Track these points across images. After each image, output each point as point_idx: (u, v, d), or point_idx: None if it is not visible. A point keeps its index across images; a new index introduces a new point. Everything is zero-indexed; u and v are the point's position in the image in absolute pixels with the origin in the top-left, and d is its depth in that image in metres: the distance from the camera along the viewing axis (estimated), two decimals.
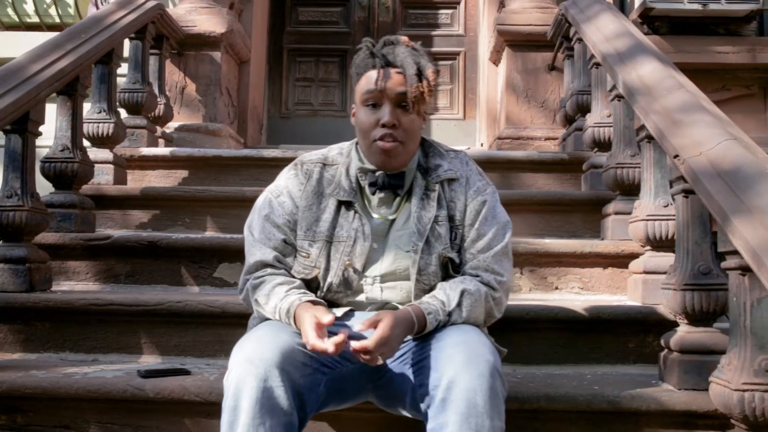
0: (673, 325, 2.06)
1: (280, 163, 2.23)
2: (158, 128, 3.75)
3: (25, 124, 2.47)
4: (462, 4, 4.86)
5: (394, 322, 1.54)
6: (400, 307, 1.69)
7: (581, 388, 1.97)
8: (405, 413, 1.69)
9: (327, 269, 1.74)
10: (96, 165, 3.06)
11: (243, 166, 3.41)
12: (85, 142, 3.06)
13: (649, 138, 2.24)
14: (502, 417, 1.51)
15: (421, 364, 1.59)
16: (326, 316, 1.55)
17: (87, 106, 3.16)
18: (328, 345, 1.49)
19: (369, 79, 1.72)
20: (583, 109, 3.27)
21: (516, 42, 3.95)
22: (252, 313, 1.86)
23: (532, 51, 3.94)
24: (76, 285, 2.70)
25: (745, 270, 1.61)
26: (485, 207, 1.78)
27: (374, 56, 1.73)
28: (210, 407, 1.89)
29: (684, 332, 1.97)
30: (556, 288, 2.64)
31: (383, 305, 1.75)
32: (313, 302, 1.65)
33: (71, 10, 4.42)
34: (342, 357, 1.63)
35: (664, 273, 2.10)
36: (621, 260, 2.60)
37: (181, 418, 1.96)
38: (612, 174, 2.69)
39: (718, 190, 1.66)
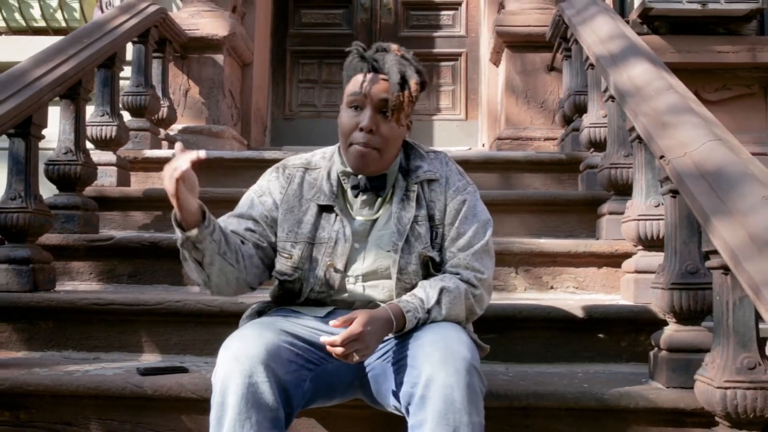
0: (663, 324, 2.08)
1: None
2: (162, 130, 3.81)
3: (28, 128, 2.53)
4: (463, 6, 4.89)
5: (367, 320, 1.57)
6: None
7: (571, 386, 2.00)
8: (391, 410, 1.72)
9: (309, 270, 1.78)
10: (99, 167, 3.12)
11: (245, 168, 3.45)
12: (89, 145, 3.11)
13: (640, 139, 2.27)
14: (481, 413, 1.55)
15: (402, 362, 1.62)
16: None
17: (91, 109, 3.22)
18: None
19: (355, 82, 1.76)
20: (581, 109, 3.29)
21: (515, 43, 3.98)
22: (243, 312, 1.92)
23: (531, 52, 3.97)
24: (80, 285, 2.76)
25: (727, 269, 1.64)
26: (465, 206, 1.81)
27: (364, 60, 1.76)
28: (206, 404, 1.90)
29: (672, 331, 2.00)
30: (551, 287, 2.67)
31: (366, 304, 1.79)
32: None
33: (77, 15, 4.48)
34: (327, 354, 1.67)
35: (655, 272, 2.13)
36: (615, 260, 2.63)
37: (178, 415, 2.00)
38: (606, 174, 2.71)
39: (701, 191, 1.69)
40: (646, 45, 2.68)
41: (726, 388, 1.65)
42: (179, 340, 2.35)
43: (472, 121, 4.79)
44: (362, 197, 1.81)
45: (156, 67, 3.79)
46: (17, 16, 4.52)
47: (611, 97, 2.63)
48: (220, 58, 4.11)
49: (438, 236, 1.80)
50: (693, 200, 1.72)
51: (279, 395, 1.57)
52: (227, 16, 4.13)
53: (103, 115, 3.23)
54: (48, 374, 2.05)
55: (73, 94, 2.86)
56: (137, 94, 3.56)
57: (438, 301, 1.70)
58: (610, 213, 2.72)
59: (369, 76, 1.74)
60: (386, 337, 1.68)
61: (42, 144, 2.72)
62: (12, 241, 2.51)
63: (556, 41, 3.68)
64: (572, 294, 2.65)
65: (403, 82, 1.73)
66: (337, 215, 1.79)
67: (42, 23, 4.51)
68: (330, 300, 1.81)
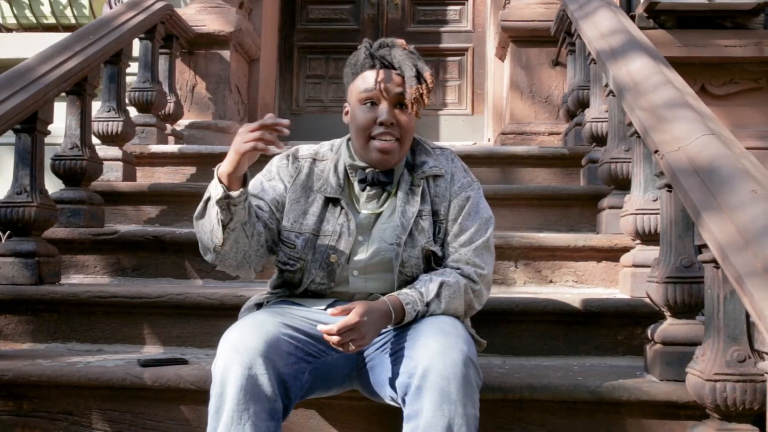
0: (659, 318, 2.09)
1: None
2: (168, 126, 3.84)
3: (34, 124, 2.57)
4: (470, 1, 4.89)
5: (365, 311, 1.60)
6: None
7: (565, 378, 2.02)
8: (387, 401, 1.74)
9: (312, 261, 1.81)
10: (105, 162, 3.16)
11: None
12: (95, 140, 3.16)
13: (638, 133, 2.27)
14: (476, 405, 1.57)
15: (400, 353, 1.65)
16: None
17: (97, 105, 3.26)
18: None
19: (366, 79, 1.78)
20: (584, 104, 3.29)
21: (520, 38, 3.98)
22: (243, 305, 1.94)
23: (536, 46, 3.97)
24: (85, 278, 2.80)
25: (718, 263, 1.65)
26: (469, 202, 1.84)
27: (373, 57, 1.79)
28: (204, 395, 1.93)
29: (667, 324, 2.00)
30: (551, 281, 2.68)
31: (367, 296, 1.81)
32: None
33: (86, 11, 4.54)
34: (327, 346, 1.69)
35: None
36: (614, 254, 2.63)
37: (177, 405, 2.03)
38: (606, 169, 2.72)
39: (693, 186, 1.70)
40: (648, 39, 2.67)
41: (716, 381, 1.66)
42: (180, 332, 2.39)
43: (478, 116, 4.80)
44: (369, 191, 1.83)
45: (163, 63, 3.83)
46: (28, 12, 4.58)
47: (611, 92, 2.63)
48: (226, 54, 4.14)
49: (441, 231, 1.83)
50: (685, 195, 1.73)
51: (278, 387, 1.60)
52: (234, 12, 4.16)
53: (109, 111, 3.27)
54: (51, 365, 2.09)
55: (79, 90, 2.90)
56: (144, 89, 3.60)
57: (438, 295, 1.72)
58: (610, 207, 2.73)
59: (383, 71, 1.76)
60: (385, 329, 1.71)
61: (49, 139, 2.77)
62: (18, 235, 2.56)
63: (560, 36, 3.68)
64: (571, 288, 2.66)
65: (419, 75, 1.75)
66: (342, 208, 1.82)
67: (52, 20, 4.57)
68: (330, 291, 1.84)
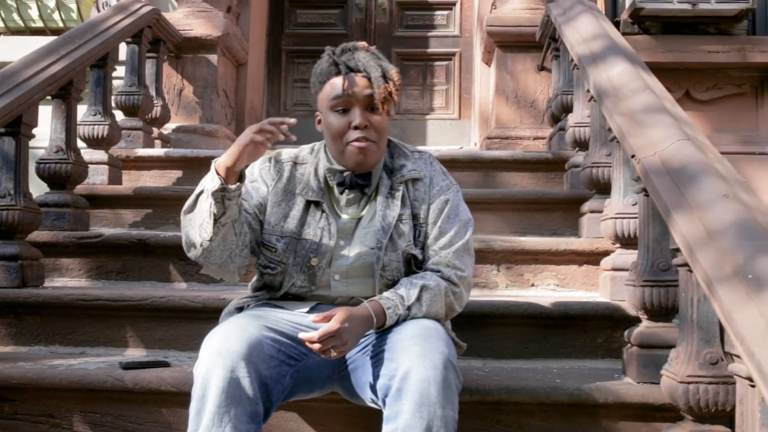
0: (637, 321, 2.11)
1: None
2: (155, 130, 3.85)
3: (18, 127, 2.57)
4: (458, 6, 4.92)
5: (346, 317, 1.62)
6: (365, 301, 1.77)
7: (544, 381, 2.04)
8: (368, 403, 1.76)
9: (293, 264, 1.82)
10: (91, 165, 3.17)
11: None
12: (81, 144, 3.16)
13: (617, 138, 2.29)
14: (455, 407, 1.59)
15: (381, 355, 1.66)
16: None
17: (83, 109, 3.27)
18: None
19: (334, 86, 1.79)
20: (567, 109, 3.31)
21: (505, 43, 4.00)
22: (225, 308, 1.95)
23: (521, 52, 3.99)
24: (69, 281, 2.81)
25: (691, 268, 1.67)
26: (448, 205, 1.86)
27: (337, 64, 1.80)
28: (186, 397, 1.93)
29: (643, 327, 2.03)
30: (533, 285, 2.71)
31: (349, 300, 1.83)
32: None
33: (74, 15, 4.53)
34: (309, 350, 1.71)
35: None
36: (595, 257, 2.66)
37: (159, 408, 2.04)
38: (588, 173, 2.74)
39: (664, 187, 1.72)
40: (629, 44, 2.70)
41: (689, 383, 1.67)
42: (163, 335, 2.39)
43: (465, 120, 4.83)
44: (348, 195, 1.85)
45: (150, 66, 3.84)
46: (15, 16, 4.58)
47: (593, 97, 2.66)
48: (214, 58, 4.15)
49: (421, 234, 1.85)
50: (657, 196, 1.75)
51: (259, 390, 1.61)
52: (221, 17, 4.17)
53: (95, 114, 3.27)
54: (32, 368, 2.10)
55: (64, 93, 2.90)
56: (130, 93, 3.61)
57: (418, 299, 1.74)
58: (591, 211, 2.75)
59: (348, 77, 1.78)
60: (367, 333, 1.72)
61: (34, 143, 2.77)
62: (1, 238, 2.56)
63: (545, 41, 3.70)
64: (553, 291, 2.68)
65: (384, 75, 1.78)
66: (323, 212, 1.83)
67: (40, 23, 4.56)
68: (311, 295, 1.85)
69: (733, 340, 1.33)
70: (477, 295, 2.58)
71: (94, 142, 3.29)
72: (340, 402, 1.90)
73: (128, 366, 2.11)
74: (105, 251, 2.81)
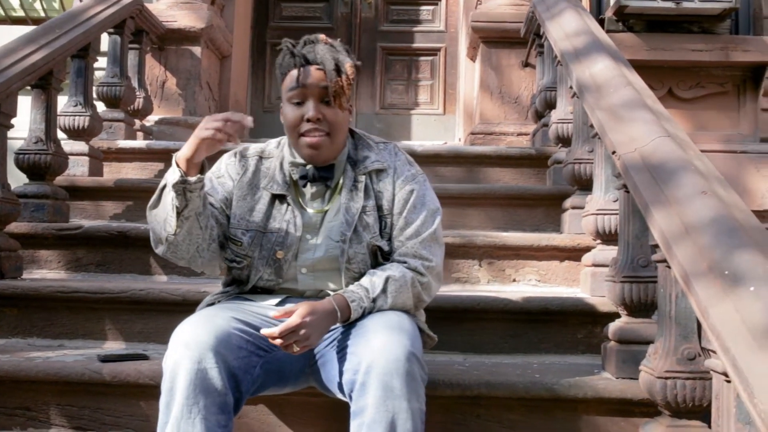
0: (617, 317, 2.12)
1: None
2: (137, 121, 3.82)
3: None
4: (443, 1, 4.91)
5: (308, 312, 1.61)
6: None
7: (524, 376, 2.04)
8: (339, 396, 1.75)
9: (259, 258, 1.81)
10: (71, 157, 3.14)
11: (218, 158, 3.47)
12: (62, 135, 3.13)
13: (598, 134, 2.30)
14: (421, 399, 1.58)
15: (345, 350, 1.66)
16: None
17: (64, 99, 3.23)
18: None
19: (292, 78, 1.79)
20: (551, 105, 3.32)
21: (490, 38, 4.01)
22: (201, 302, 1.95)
23: (506, 47, 4.00)
24: (48, 273, 2.78)
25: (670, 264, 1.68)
26: (413, 195, 1.85)
27: (295, 56, 1.79)
28: None
29: (623, 323, 2.04)
30: (514, 280, 2.71)
31: (317, 293, 1.83)
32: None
33: (56, 5, 4.49)
34: None
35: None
36: (577, 253, 2.67)
37: (137, 401, 2.03)
38: (570, 169, 2.75)
39: (644, 183, 1.73)
40: (612, 41, 2.70)
41: (667, 378, 1.69)
42: (143, 327, 2.38)
43: (450, 115, 4.83)
44: (311, 188, 1.84)
45: (132, 58, 3.81)
46: None
47: (575, 93, 2.66)
48: (197, 50, 4.12)
49: (387, 226, 1.84)
50: (637, 192, 1.76)
51: (228, 381, 1.61)
52: (205, 9, 4.14)
53: (76, 105, 3.24)
54: (9, 360, 2.08)
55: (44, 83, 2.87)
56: (112, 84, 3.57)
57: (384, 290, 1.73)
58: (573, 207, 2.76)
59: (303, 69, 1.77)
60: (334, 326, 1.71)
61: (13, 133, 2.74)
62: None
63: (530, 37, 3.71)
64: (534, 287, 2.69)
65: (338, 68, 1.77)
66: (288, 205, 1.83)
67: (21, 13, 4.51)
68: (279, 288, 1.84)
69: (709, 335, 1.33)
70: (458, 290, 2.59)
71: (74, 133, 3.26)
72: (318, 396, 1.89)
73: (106, 359, 2.09)
74: (85, 243, 2.79)
